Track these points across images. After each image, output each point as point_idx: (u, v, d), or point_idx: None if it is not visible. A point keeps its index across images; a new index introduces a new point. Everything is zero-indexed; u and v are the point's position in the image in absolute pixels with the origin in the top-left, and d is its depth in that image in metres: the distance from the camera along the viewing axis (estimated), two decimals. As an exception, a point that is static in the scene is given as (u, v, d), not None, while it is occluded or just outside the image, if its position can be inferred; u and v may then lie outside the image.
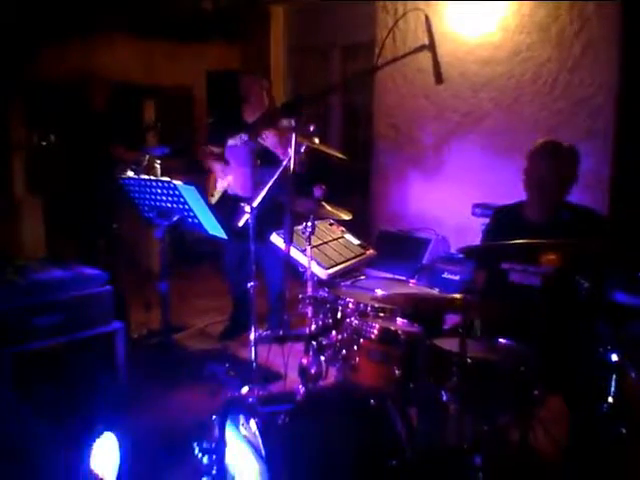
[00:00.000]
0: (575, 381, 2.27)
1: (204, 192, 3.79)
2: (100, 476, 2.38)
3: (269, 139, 3.82)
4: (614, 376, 1.94)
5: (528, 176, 2.68)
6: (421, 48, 2.44)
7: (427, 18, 2.43)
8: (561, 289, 2.41)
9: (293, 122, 2.54)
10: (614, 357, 1.93)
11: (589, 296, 2.05)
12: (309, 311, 2.58)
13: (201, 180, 4.18)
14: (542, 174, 2.62)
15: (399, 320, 2.42)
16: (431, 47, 2.41)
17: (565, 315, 2.44)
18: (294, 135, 2.52)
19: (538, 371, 2.10)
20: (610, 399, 1.94)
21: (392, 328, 2.33)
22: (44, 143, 5.13)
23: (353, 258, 3.32)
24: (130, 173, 3.79)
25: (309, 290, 2.70)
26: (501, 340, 2.29)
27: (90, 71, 5.21)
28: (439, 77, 2.46)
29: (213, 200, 4.23)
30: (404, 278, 3.57)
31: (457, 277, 4.28)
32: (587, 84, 4.26)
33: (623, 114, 4.16)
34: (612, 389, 1.94)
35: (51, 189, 5.30)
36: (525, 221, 2.73)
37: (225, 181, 4.18)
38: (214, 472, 2.39)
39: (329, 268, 3.05)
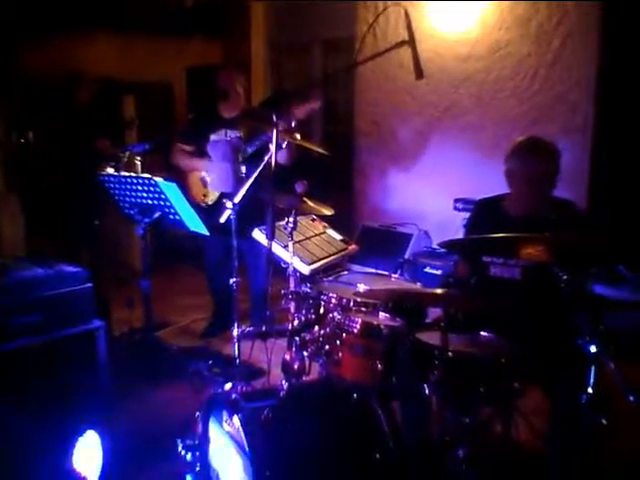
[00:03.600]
0: (555, 373, 2.30)
1: (185, 190, 3.75)
2: (83, 475, 2.36)
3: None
4: (593, 367, 1.96)
5: (514, 175, 2.63)
6: (401, 44, 2.46)
7: (407, 14, 2.44)
8: (540, 281, 2.43)
9: (275, 117, 2.54)
10: (593, 348, 1.95)
11: (568, 288, 2.07)
12: (292, 307, 2.58)
13: (180, 177, 4.13)
14: (529, 172, 2.58)
15: (381, 314, 2.43)
16: (411, 43, 2.43)
17: (544, 307, 2.46)
18: (275, 130, 2.53)
19: (518, 363, 2.12)
20: (589, 390, 1.96)
21: (374, 322, 2.34)
22: (22, 140, 5.06)
23: (335, 253, 3.32)
24: (110, 170, 3.76)
25: (291, 286, 2.69)
26: (482, 333, 2.31)
27: (71, 67, 5.15)
28: (419, 73, 2.47)
29: (209, 201, 4.13)
30: (386, 273, 3.58)
31: (439, 271, 4.31)
32: (566, 78, 4.29)
33: (602, 108, 4.19)
34: (591, 380, 1.96)
35: (30, 186, 5.24)
36: (506, 214, 2.73)
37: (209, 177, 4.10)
38: (198, 469, 2.39)
39: (311, 263, 3.05)
